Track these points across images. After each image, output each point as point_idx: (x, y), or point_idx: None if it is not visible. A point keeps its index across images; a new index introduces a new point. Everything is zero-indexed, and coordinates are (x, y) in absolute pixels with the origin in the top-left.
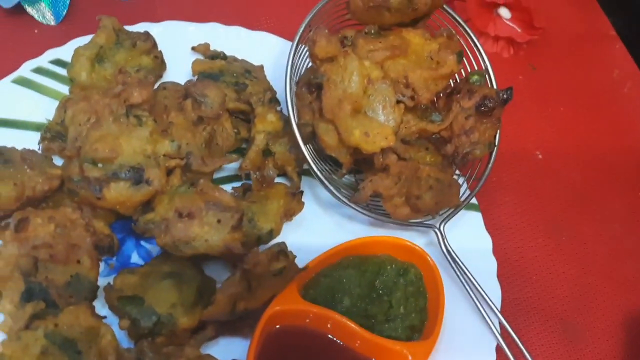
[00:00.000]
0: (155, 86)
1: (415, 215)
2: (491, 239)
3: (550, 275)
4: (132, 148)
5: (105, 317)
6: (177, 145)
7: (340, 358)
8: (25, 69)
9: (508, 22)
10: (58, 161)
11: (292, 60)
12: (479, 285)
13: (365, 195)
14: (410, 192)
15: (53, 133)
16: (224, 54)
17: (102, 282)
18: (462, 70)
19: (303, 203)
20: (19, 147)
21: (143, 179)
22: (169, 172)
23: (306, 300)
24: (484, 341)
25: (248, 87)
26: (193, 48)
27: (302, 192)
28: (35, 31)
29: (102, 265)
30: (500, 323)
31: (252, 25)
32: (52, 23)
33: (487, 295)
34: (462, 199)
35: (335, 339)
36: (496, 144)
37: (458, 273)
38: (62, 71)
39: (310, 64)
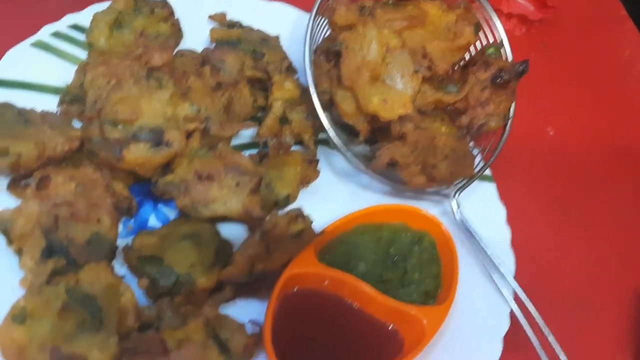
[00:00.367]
0: (173, 53)
1: (430, 185)
2: (505, 208)
3: (562, 249)
4: (152, 110)
5: (123, 276)
6: (196, 108)
7: (356, 321)
8: (44, 33)
9: (521, 0)
10: (76, 125)
11: (312, 26)
12: (493, 254)
13: (382, 163)
14: (426, 161)
15: (72, 97)
16: (240, 23)
17: (120, 243)
18: (477, 44)
19: (319, 171)
20: (38, 110)
21: (163, 140)
22: (188, 135)
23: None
24: (498, 308)
25: (265, 56)
26: (210, 16)
27: (317, 161)
28: None
29: (120, 226)
30: (514, 291)
31: None
32: None
33: (501, 263)
34: (477, 169)
35: (351, 302)
36: (511, 116)
37: (472, 242)
38: (81, 36)
39: (327, 34)
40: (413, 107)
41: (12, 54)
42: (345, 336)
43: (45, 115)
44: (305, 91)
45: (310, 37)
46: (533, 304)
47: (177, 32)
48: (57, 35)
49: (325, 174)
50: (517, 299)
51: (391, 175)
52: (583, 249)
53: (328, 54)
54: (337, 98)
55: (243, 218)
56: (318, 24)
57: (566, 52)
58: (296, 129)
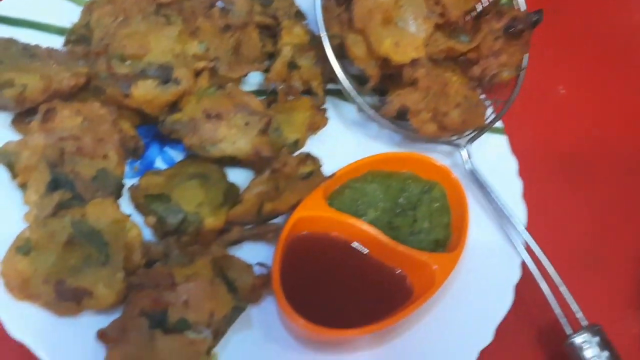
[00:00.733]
0: None
1: (441, 134)
2: (517, 160)
3: (573, 207)
4: (161, 46)
5: (130, 215)
6: (205, 46)
7: (365, 267)
8: None
9: None
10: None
11: None
12: (504, 204)
13: (393, 108)
14: (438, 109)
15: (78, 36)
16: None
17: (127, 184)
18: None
19: (327, 118)
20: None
21: (171, 78)
22: (197, 74)
23: None
24: (509, 258)
25: (274, 2)
26: None
27: (326, 109)
28: None
29: (126, 167)
30: (526, 241)
31: None
32: None
33: (512, 214)
34: (488, 121)
35: (359, 248)
36: (524, 67)
37: (483, 192)
38: None
39: None
40: (425, 52)
41: None
42: (354, 281)
43: (51, 51)
44: (314, 37)
45: None
46: (544, 253)
47: None
48: None
49: (334, 124)
50: (528, 249)
51: (401, 123)
52: (595, 204)
53: None
54: (348, 42)
55: (252, 159)
56: None
57: (578, 12)
58: (305, 76)
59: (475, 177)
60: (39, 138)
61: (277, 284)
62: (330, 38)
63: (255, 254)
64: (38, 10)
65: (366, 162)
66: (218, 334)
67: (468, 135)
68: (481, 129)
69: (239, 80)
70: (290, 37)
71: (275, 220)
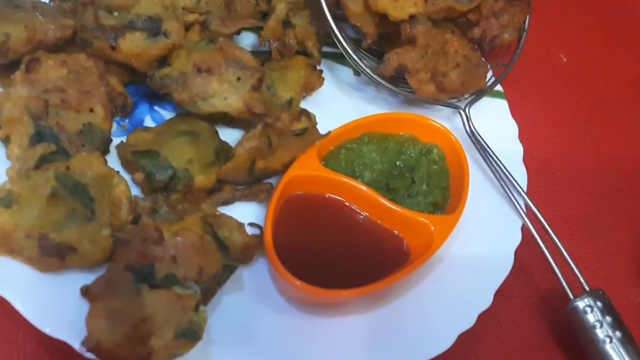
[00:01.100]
0: None
1: (440, 95)
2: (517, 125)
3: (574, 173)
4: None
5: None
6: None
7: (360, 228)
8: None
9: None
10: None
11: None
12: (505, 167)
13: (391, 67)
14: (437, 69)
15: None
16: None
17: (114, 142)
18: None
19: (323, 78)
20: None
21: (161, 30)
22: (187, 27)
23: None
24: (509, 221)
25: None
26: None
27: (322, 70)
28: None
29: (114, 125)
30: (526, 205)
31: None
32: None
33: (512, 177)
34: (489, 84)
35: (355, 208)
36: (525, 29)
37: (483, 155)
38: None
39: None
40: (424, 8)
41: None
42: (349, 243)
43: (36, 3)
44: None
45: None
46: (545, 218)
47: None
48: None
49: (330, 87)
50: (529, 214)
51: (399, 85)
52: (597, 170)
53: None
54: None
55: (243, 116)
56: None
57: None
58: (300, 35)
59: (475, 140)
60: (22, 89)
61: (269, 243)
62: None
63: (247, 215)
64: None
65: (362, 122)
66: (208, 294)
67: (468, 98)
68: (481, 92)
69: (231, 37)
70: None
71: (269, 181)
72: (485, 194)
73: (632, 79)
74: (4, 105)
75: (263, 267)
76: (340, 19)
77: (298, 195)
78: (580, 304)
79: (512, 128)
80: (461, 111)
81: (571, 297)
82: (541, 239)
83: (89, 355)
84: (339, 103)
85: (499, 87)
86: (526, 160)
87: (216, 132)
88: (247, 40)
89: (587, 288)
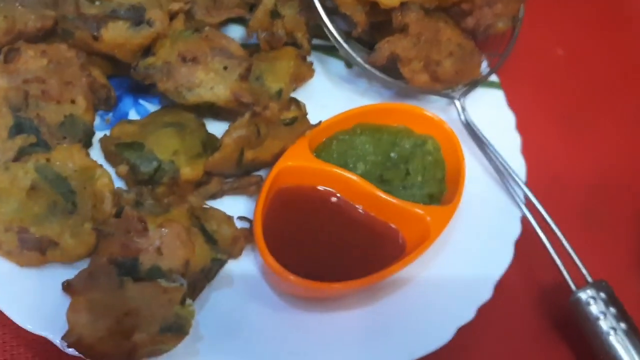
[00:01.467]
0: None
1: (433, 85)
2: (514, 115)
3: (572, 164)
4: None
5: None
6: None
7: (354, 221)
8: None
9: None
10: None
11: None
12: (502, 158)
13: (382, 56)
14: (430, 57)
15: None
16: None
17: (97, 136)
18: None
19: (314, 70)
20: None
21: (144, 19)
22: (172, 16)
23: None
24: (508, 212)
25: None
26: None
27: (312, 63)
28: None
29: (97, 119)
30: (526, 196)
31: None
32: None
33: (510, 168)
34: (484, 74)
35: (348, 200)
36: (520, 17)
37: (479, 146)
38: None
39: None
40: None
41: None
42: (342, 236)
43: None
44: None
45: None
46: (545, 209)
47: None
48: None
49: (321, 80)
50: (528, 205)
51: (392, 74)
52: (596, 161)
53: None
54: None
55: (231, 106)
56: None
57: None
58: (288, 26)
59: (471, 131)
60: (1, 80)
61: (259, 235)
62: None
63: (236, 209)
64: None
65: (355, 113)
66: (196, 289)
67: (462, 88)
68: (476, 82)
69: (217, 28)
70: None
71: (258, 173)
72: (483, 185)
73: (629, 71)
74: None
75: (253, 262)
76: (330, 11)
77: (289, 187)
78: (583, 295)
79: (510, 118)
80: (456, 101)
81: (573, 288)
82: (542, 231)
83: (70, 351)
84: (330, 96)
85: (494, 78)
86: (525, 151)
87: (203, 124)
88: (235, 33)
89: (589, 279)
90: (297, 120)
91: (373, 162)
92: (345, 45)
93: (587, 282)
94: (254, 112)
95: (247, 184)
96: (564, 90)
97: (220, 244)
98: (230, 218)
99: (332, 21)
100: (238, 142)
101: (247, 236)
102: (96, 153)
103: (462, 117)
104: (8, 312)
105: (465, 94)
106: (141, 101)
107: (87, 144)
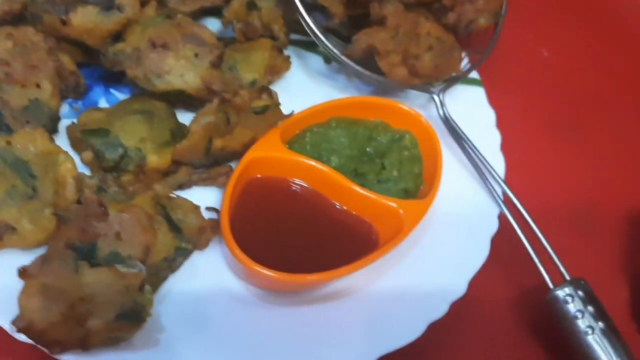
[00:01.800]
0: None
1: (412, 80)
2: (495, 113)
3: (555, 166)
4: None
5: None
6: None
7: (326, 214)
8: None
9: None
10: None
11: None
12: (480, 154)
13: (359, 48)
14: (409, 51)
15: None
16: None
17: (65, 123)
18: None
19: (290, 62)
20: None
21: (114, 4)
22: (144, 3)
23: None
24: (486, 209)
25: None
26: None
27: (289, 57)
28: None
29: (66, 107)
30: (504, 193)
31: None
32: None
33: (489, 164)
34: (464, 70)
35: (320, 193)
36: (502, 14)
37: (458, 142)
38: None
39: None
40: None
41: None
42: (313, 229)
43: None
44: None
45: None
46: (523, 207)
47: None
48: None
49: (299, 75)
50: (507, 202)
51: (370, 68)
52: (578, 164)
53: None
54: None
55: (202, 95)
56: None
57: None
58: (265, 18)
59: (450, 126)
60: None
61: (225, 225)
62: None
63: (206, 201)
64: None
65: (330, 105)
66: (159, 279)
67: (442, 84)
68: (456, 78)
69: (192, 18)
70: None
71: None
72: (460, 181)
73: (613, 74)
74: None
75: (220, 254)
76: (309, 6)
77: (259, 178)
78: (561, 293)
79: (490, 115)
80: (435, 96)
81: (551, 286)
82: (519, 228)
83: (20, 336)
84: (308, 91)
85: (475, 75)
86: (504, 148)
87: (173, 114)
88: (212, 26)
89: (567, 277)
90: (269, 109)
91: (348, 156)
92: (323, 38)
93: (565, 280)
94: (223, 98)
95: (216, 175)
96: (547, 91)
97: (186, 234)
98: (197, 208)
99: (310, 16)
100: (206, 130)
101: (214, 227)
102: (63, 142)
103: (441, 112)
104: None
105: (444, 89)
106: (112, 90)
107: (52, 129)
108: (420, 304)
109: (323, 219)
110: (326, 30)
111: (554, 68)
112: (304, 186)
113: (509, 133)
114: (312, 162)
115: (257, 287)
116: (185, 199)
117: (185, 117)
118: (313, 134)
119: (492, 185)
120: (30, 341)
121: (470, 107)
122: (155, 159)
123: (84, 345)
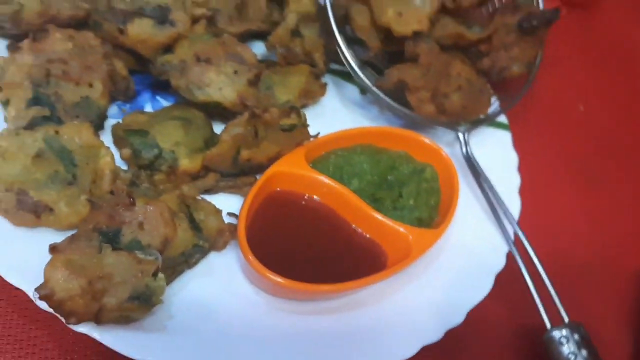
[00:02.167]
0: None
1: (439, 117)
2: (518, 157)
3: (577, 217)
4: None
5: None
6: None
7: (339, 232)
8: None
9: None
10: None
11: None
12: (497, 194)
13: (390, 81)
14: (438, 89)
15: None
16: None
17: (111, 122)
18: None
19: (325, 88)
20: None
21: (168, 19)
22: (195, 21)
23: None
24: (495, 246)
25: None
26: None
27: (326, 84)
28: None
29: (115, 108)
30: (515, 234)
31: None
32: None
33: (504, 204)
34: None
35: (336, 212)
36: (536, 65)
37: (477, 180)
38: None
39: None
40: (430, 26)
41: None
42: (325, 244)
43: None
44: (322, 10)
45: None
46: (533, 248)
47: None
48: None
49: (334, 103)
50: (517, 242)
51: (401, 102)
52: (598, 216)
53: None
54: (352, 11)
55: (237, 108)
56: None
57: (607, 35)
58: (307, 46)
59: (471, 164)
60: (27, 57)
61: (241, 231)
62: (336, 8)
63: (230, 207)
64: None
65: (356, 132)
66: (175, 272)
67: (468, 123)
68: (483, 120)
69: (238, 38)
70: (297, 5)
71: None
72: (475, 217)
73: None
74: (8, 69)
75: (235, 258)
76: (350, 39)
77: (280, 192)
78: (557, 333)
79: (513, 158)
80: (459, 134)
81: (548, 326)
82: (525, 268)
83: (41, 304)
84: (341, 117)
85: (504, 119)
86: (525, 192)
87: (210, 124)
88: (258, 49)
89: (566, 320)
90: (296, 128)
91: (368, 181)
92: (357, 69)
93: (564, 322)
94: (253, 113)
95: (242, 184)
96: (576, 142)
97: (205, 233)
98: (219, 211)
99: (350, 48)
100: (235, 140)
101: (233, 231)
102: (107, 138)
103: (464, 150)
104: None
105: (470, 129)
106: (158, 97)
107: (99, 126)
108: (417, 327)
109: (336, 236)
110: (364, 63)
111: (587, 122)
112: (322, 203)
113: (531, 177)
114: (331, 182)
115: (265, 292)
116: (209, 202)
117: (220, 129)
118: (337, 157)
119: (504, 225)
120: (50, 310)
121: (495, 148)
122: (186, 163)
123: (98, 319)
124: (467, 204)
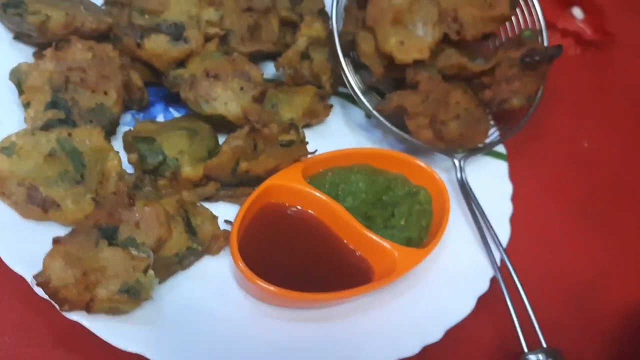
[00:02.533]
0: None
1: (437, 143)
2: (513, 187)
3: (570, 250)
4: (179, 7)
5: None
6: (220, 14)
7: (329, 246)
8: None
9: (579, 23)
10: None
11: None
12: (488, 221)
13: (390, 106)
14: (436, 116)
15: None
16: None
17: (124, 129)
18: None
19: (330, 109)
20: None
21: (182, 36)
22: (208, 39)
23: None
24: (480, 270)
25: (304, 2)
26: None
27: (332, 105)
28: None
29: (129, 116)
30: (502, 260)
31: None
32: None
33: (494, 231)
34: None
35: (328, 227)
36: (537, 99)
37: (469, 205)
38: None
39: None
40: (431, 56)
41: None
42: (315, 256)
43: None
44: (331, 35)
45: None
46: (517, 276)
47: None
48: None
49: (338, 124)
50: (503, 268)
51: (400, 126)
52: (594, 255)
53: (359, 1)
54: (358, 38)
55: (241, 122)
56: None
57: (620, 75)
58: (315, 68)
59: (465, 190)
60: (49, 64)
61: (233, 238)
62: (344, 34)
63: (226, 215)
64: None
65: (354, 152)
66: (168, 272)
67: (465, 151)
68: (480, 148)
69: (248, 58)
70: (308, 30)
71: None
72: (463, 241)
73: None
74: (31, 74)
75: (228, 263)
76: (357, 64)
77: (275, 204)
78: (532, 357)
79: (507, 188)
80: (455, 160)
81: (525, 350)
82: (508, 293)
83: (38, 290)
84: (344, 138)
85: (501, 149)
86: (516, 220)
87: (215, 136)
88: (269, 69)
89: (544, 345)
90: (295, 144)
91: (362, 200)
92: (359, 93)
93: (541, 346)
94: (253, 127)
95: (240, 194)
96: (571, 176)
97: (200, 237)
98: (215, 218)
99: (358, 73)
100: (234, 151)
101: (227, 237)
102: (118, 144)
103: (459, 176)
104: (1, 254)
105: (467, 157)
106: (171, 109)
107: (111, 132)
108: (394, 340)
109: (326, 249)
110: (370, 88)
111: (590, 158)
112: (315, 217)
113: (525, 208)
114: (325, 197)
115: (254, 298)
116: (207, 209)
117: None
118: (334, 174)
119: (492, 251)
120: (46, 296)
121: (490, 177)
122: (188, 170)
123: (89, 308)
124: (458, 227)
